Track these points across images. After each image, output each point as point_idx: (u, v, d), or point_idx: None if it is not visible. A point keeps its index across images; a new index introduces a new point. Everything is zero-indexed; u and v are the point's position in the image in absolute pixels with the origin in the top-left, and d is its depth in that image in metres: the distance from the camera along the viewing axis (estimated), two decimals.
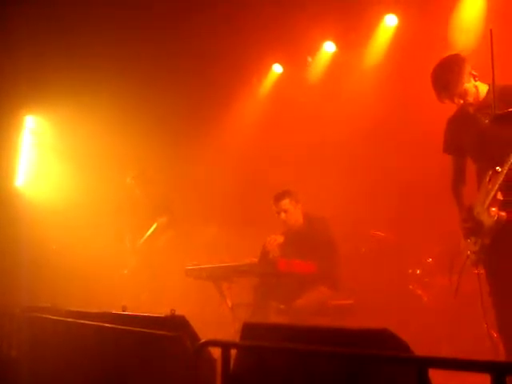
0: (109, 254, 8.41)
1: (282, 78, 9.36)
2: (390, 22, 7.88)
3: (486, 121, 4.25)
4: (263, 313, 5.76)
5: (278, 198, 6.23)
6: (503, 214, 4.11)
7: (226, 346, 2.69)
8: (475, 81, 4.36)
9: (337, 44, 8.54)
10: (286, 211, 6.20)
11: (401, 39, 7.71)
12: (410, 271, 6.52)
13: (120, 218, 8.65)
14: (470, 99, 4.36)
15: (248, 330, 2.92)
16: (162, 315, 3.43)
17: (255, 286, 5.96)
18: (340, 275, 6.02)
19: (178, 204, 8.55)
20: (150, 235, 8.05)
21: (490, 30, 3.66)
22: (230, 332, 5.23)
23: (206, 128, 9.21)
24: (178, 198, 8.94)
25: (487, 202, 4.16)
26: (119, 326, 3.72)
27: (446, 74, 4.39)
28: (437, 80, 4.48)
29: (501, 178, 4.08)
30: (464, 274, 5.05)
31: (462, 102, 4.38)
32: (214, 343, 2.81)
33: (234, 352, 2.80)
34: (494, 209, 4.12)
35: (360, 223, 7.09)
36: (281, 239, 5.82)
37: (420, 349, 2.11)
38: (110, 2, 7.73)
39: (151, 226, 8.08)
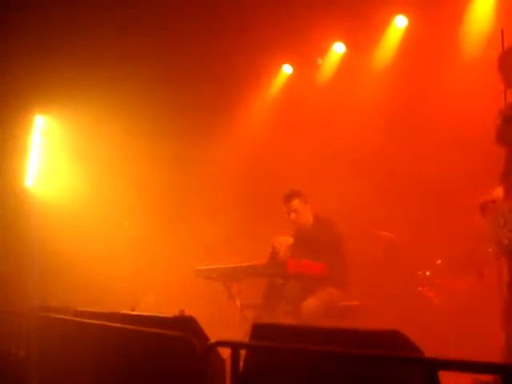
0: (118, 253, 8.44)
1: (291, 79, 9.36)
2: (399, 23, 7.88)
3: (499, 121, 4.21)
4: (272, 313, 5.74)
5: (288, 198, 6.20)
6: None
7: (235, 347, 2.69)
8: None
9: (346, 45, 8.54)
10: (295, 211, 6.16)
11: (410, 40, 7.70)
12: (419, 273, 6.50)
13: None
14: None
15: (257, 330, 2.92)
16: (171, 316, 3.43)
17: (265, 286, 5.93)
18: (349, 276, 6.00)
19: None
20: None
21: (501, 31, 3.65)
22: (240, 332, 5.23)
23: (215, 128, 9.23)
24: (187, 197, 8.99)
25: None
26: (128, 327, 3.73)
27: None
28: (506, 65, 4.23)
29: None
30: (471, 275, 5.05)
31: None
32: (224, 344, 2.81)
33: (243, 352, 2.80)
34: None
35: (369, 224, 7.07)
36: (290, 240, 5.79)
37: (429, 350, 2.10)
38: (120, 4, 7.75)
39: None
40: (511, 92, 4.32)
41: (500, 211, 4.34)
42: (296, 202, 6.16)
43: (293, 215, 6.17)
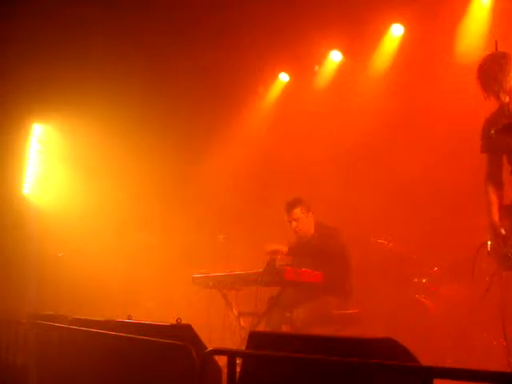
0: (114, 260, 8.44)
1: (288, 87, 9.38)
2: (395, 32, 7.90)
3: (492, 131, 4.21)
4: (270, 321, 5.74)
5: (290, 206, 6.18)
6: None
7: (232, 355, 2.69)
8: None
9: (343, 53, 8.56)
10: (297, 220, 6.14)
11: (407, 48, 7.73)
12: (416, 280, 6.50)
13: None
14: None
15: (254, 338, 2.93)
16: (169, 324, 3.44)
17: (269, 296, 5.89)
18: (351, 285, 5.99)
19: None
20: None
21: (495, 42, 3.67)
22: (236, 341, 5.23)
23: (213, 136, 9.24)
24: (185, 205, 8.99)
25: None
26: (125, 334, 3.73)
27: (495, 68, 4.18)
28: (484, 74, 4.28)
29: None
30: (469, 283, 5.05)
31: (507, 99, 4.19)
32: (220, 352, 2.82)
33: (239, 361, 2.81)
34: None
35: (365, 232, 7.07)
36: (284, 249, 5.78)
37: (425, 358, 2.11)
38: (119, 13, 7.77)
39: None
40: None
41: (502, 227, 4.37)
42: (298, 211, 6.15)
43: (294, 224, 6.16)
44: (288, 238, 6.30)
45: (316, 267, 5.49)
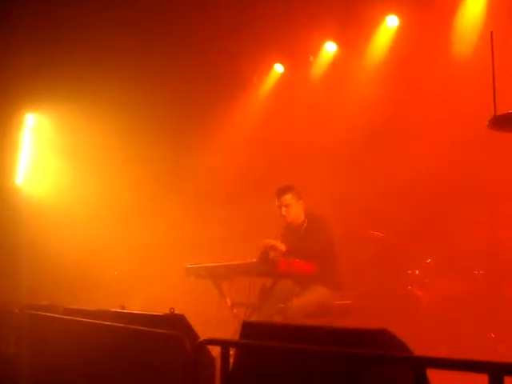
0: (107, 251, 8.44)
1: (283, 78, 9.38)
2: (391, 23, 7.90)
3: (487, 123, 4.19)
4: (263, 312, 5.74)
5: (281, 192, 6.20)
6: None
7: (225, 345, 2.69)
8: None
9: (338, 44, 8.56)
10: (287, 206, 6.17)
11: (402, 40, 7.73)
12: (409, 272, 6.52)
13: None
14: None
15: (247, 328, 2.93)
16: (162, 314, 3.44)
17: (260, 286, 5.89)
18: (340, 275, 6.00)
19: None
20: None
21: (491, 33, 3.65)
22: (230, 331, 5.23)
23: (208, 127, 9.23)
24: (178, 196, 8.98)
25: None
26: (118, 324, 3.72)
27: None
28: None
29: None
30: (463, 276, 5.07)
31: None
32: (214, 342, 2.82)
33: (233, 351, 2.81)
34: None
35: (359, 223, 7.09)
36: (281, 247, 5.76)
37: (418, 349, 2.11)
38: (111, 3, 7.74)
39: None
40: None
41: None
42: (288, 197, 6.17)
43: (284, 209, 6.18)
44: (278, 227, 6.33)
45: (304, 255, 5.49)
